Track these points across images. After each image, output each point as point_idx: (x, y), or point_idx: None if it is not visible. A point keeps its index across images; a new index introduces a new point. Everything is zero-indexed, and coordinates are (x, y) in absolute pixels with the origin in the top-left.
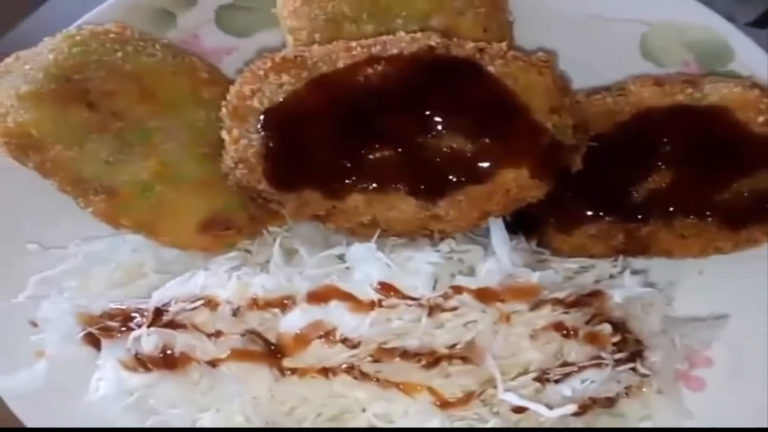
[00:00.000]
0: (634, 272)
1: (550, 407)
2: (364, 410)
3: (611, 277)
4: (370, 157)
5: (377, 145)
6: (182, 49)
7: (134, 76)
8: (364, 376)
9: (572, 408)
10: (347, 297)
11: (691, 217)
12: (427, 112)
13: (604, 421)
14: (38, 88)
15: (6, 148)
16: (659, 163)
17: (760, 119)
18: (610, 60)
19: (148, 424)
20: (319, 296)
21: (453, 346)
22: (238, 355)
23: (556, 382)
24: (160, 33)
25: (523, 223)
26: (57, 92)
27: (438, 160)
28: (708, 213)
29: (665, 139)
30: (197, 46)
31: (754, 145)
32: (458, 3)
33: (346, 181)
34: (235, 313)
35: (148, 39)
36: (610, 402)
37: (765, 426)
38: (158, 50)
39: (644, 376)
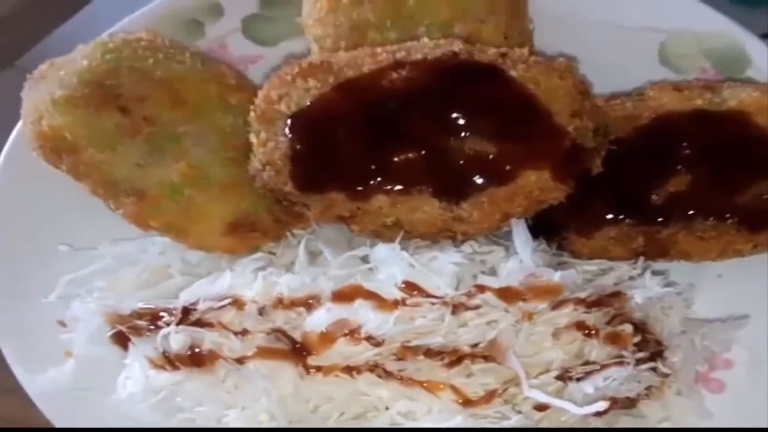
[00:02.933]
0: (655, 273)
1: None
2: (387, 408)
3: (631, 278)
4: (395, 159)
5: (402, 148)
6: (211, 56)
7: (165, 82)
8: (388, 374)
9: (602, 405)
10: (372, 296)
11: (711, 219)
12: (451, 116)
13: (624, 422)
14: (72, 93)
15: (40, 151)
16: (678, 167)
17: None
18: (629, 67)
19: (174, 422)
20: (343, 295)
21: (476, 344)
22: (264, 352)
23: (578, 380)
24: (190, 42)
25: (545, 228)
26: (90, 97)
27: (461, 162)
28: (727, 215)
29: (684, 143)
30: (225, 54)
31: None
32: (479, 11)
33: (371, 182)
34: (261, 312)
35: (178, 47)
36: (631, 402)
37: None
38: (188, 58)
39: (665, 376)
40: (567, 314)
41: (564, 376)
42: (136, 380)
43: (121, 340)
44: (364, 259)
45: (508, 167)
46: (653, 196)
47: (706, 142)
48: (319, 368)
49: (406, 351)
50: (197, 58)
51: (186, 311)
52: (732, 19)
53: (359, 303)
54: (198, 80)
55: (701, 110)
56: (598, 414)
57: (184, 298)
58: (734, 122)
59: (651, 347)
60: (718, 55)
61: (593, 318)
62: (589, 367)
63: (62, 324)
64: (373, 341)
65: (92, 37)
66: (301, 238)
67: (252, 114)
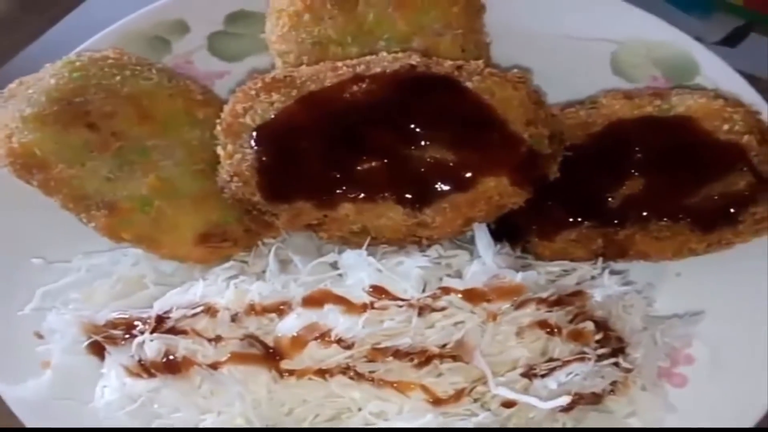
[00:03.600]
0: (615, 273)
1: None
2: (360, 409)
3: (592, 278)
4: (359, 168)
5: (365, 157)
6: (177, 72)
7: (132, 99)
8: (360, 376)
9: (565, 399)
10: (341, 300)
11: (665, 220)
12: (411, 126)
13: (592, 417)
14: (41, 110)
15: (11, 167)
16: (632, 171)
17: (725, 127)
18: (583, 77)
19: None
20: (313, 300)
21: (444, 345)
22: (237, 358)
23: (543, 377)
24: (156, 59)
25: (508, 232)
26: (59, 114)
27: (423, 170)
28: (680, 216)
29: (636, 148)
30: (191, 70)
31: (720, 152)
32: (437, 25)
33: (337, 191)
34: (234, 318)
35: (145, 63)
36: (596, 398)
37: (748, 422)
38: (154, 74)
39: (627, 371)
40: (530, 314)
41: (529, 374)
42: (113, 388)
43: (97, 349)
44: (333, 266)
45: (467, 174)
46: (609, 200)
47: (657, 147)
48: (292, 372)
49: (376, 353)
50: (164, 75)
51: (160, 319)
52: (682, 30)
53: (329, 307)
54: (165, 96)
55: (651, 117)
56: (565, 410)
57: (157, 307)
58: (682, 127)
59: (613, 344)
60: (668, 63)
61: (555, 317)
62: (553, 364)
63: (39, 336)
64: (344, 344)
65: (60, 57)
66: (271, 246)
67: (218, 127)
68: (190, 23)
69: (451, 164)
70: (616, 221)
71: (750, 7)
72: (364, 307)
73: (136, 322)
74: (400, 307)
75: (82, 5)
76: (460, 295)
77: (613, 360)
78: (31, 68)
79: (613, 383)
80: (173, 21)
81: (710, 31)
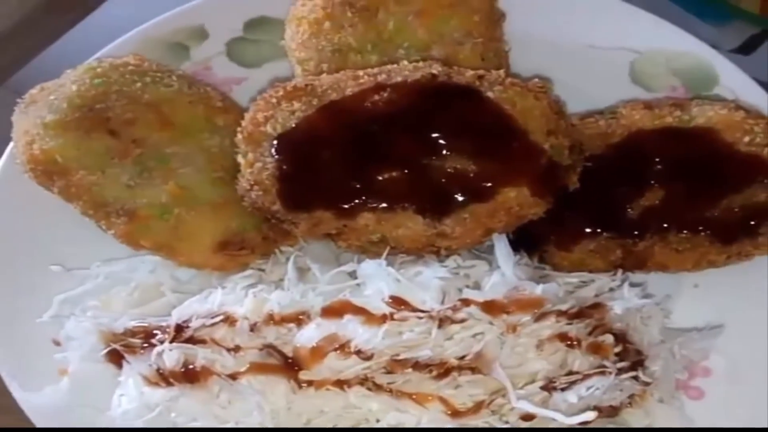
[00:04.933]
0: (633, 285)
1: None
2: (378, 421)
3: (611, 290)
4: (379, 178)
5: (385, 167)
6: (197, 79)
7: (153, 105)
8: (378, 387)
9: (591, 415)
10: (360, 311)
11: (685, 232)
12: (432, 136)
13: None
14: (62, 117)
15: (32, 174)
16: (652, 182)
17: (746, 139)
18: (602, 86)
19: None
20: (333, 311)
21: (462, 357)
22: (256, 368)
23: (563, 390)
24: (175, 65)
25: (526, 242)
26: (80, 120)
27: (443, 180)
28: (700, 228)
29: (656, 159)
30: (210, 76)
31: (741, 164)
32: (457, 34)
33: (356, 201)
34: (253, 328)
35: (165, 70)
36: (614, 411)
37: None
38: (175, 81)
39: (646, 384)
40: (549, 326)
41: (549, 386)
42: (130, 397)
43: (115, 358)
44: (352, 275)
45: (488, 184)
46: (629, 211)
47: (677, 158)
48: (310, 382)
49: (395, 364)
50: (184, 81)
51: (179, 329)
52: (700, 38)
53: (348, 318)
54: (185, 102)
55: (671, 127)
56: (583, 423)
57: (176, 316)
58: (703, 139)
59: (632, 357)
60: (687, 73)
61: (575, 329)
62: (572, 377)
63: (56, 343)
64: (363, 355)
65: (79, 59)
66: (289, 254)
67: (239, 135)
68: (210, 29)
69: (471, 174)
70: (635, 232)
71: (766, 15)
72: (384, 318)
73: (155, 331)
74: (420, 318)
75: (100, 8)
76: (479, 307)
77: (632, 373)
78: (50, 71)
79: (630, 396)
80: (192, 27)
81: (725, 39)
